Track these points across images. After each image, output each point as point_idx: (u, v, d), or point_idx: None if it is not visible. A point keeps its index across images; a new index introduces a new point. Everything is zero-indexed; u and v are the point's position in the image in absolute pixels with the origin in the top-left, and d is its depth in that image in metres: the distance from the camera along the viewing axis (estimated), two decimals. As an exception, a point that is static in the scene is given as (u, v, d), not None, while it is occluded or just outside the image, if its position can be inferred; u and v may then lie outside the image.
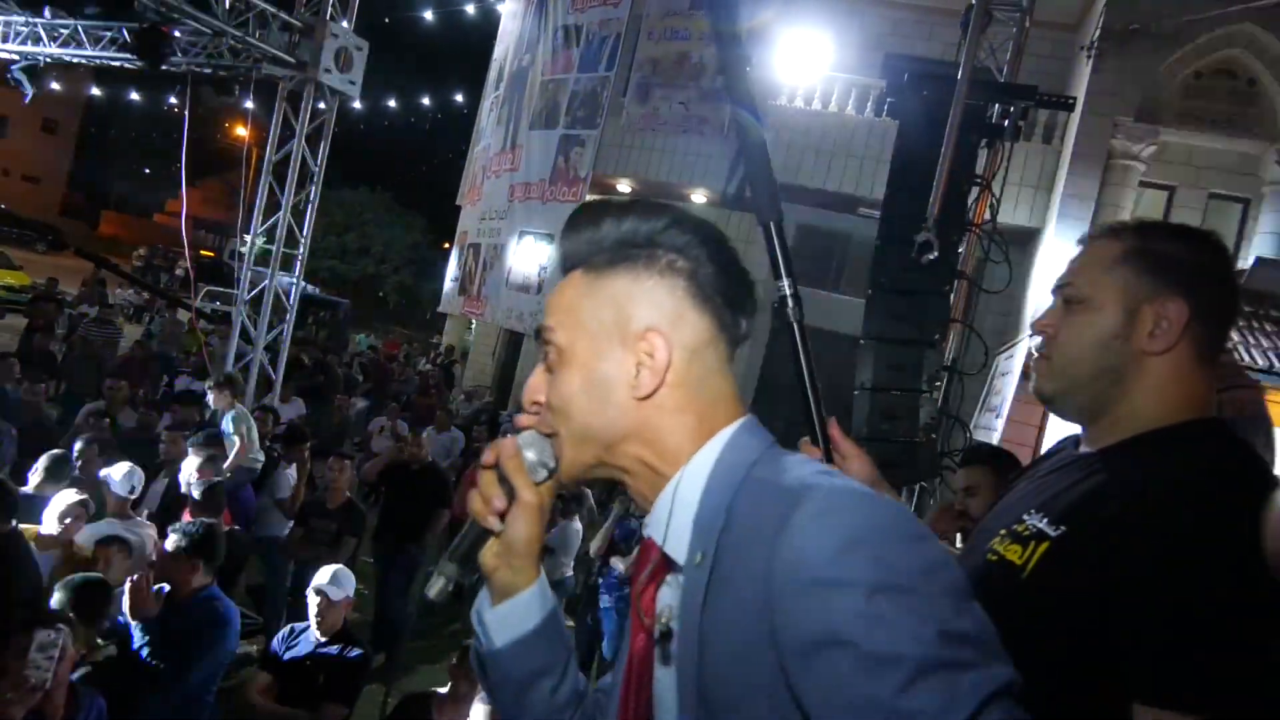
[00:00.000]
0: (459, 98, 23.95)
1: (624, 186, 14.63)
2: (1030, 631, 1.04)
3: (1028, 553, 1.15)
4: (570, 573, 6.55)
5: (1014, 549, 1.17)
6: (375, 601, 6.06)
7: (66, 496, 4.32)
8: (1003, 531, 1.22)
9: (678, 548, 0.87)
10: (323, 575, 3.95)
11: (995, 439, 5.68)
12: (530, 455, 0.98)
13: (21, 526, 4.21)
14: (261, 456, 6.30)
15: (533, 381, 0.97)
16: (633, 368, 0.90)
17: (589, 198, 12.60)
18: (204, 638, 3.58)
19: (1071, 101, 6.99)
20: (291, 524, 5.82)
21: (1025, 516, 1.20)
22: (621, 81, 12.83)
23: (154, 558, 4.22)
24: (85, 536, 4.30)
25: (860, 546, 0.74)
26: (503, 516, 0.97)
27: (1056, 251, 10.52)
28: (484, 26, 16.71)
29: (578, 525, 6.58)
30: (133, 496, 4.72)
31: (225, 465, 5.67)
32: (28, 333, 10.75)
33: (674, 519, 0.88)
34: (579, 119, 11.26)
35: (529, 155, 12.20)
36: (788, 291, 1.47)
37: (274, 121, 8.96)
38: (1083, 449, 1.27)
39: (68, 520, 4.22)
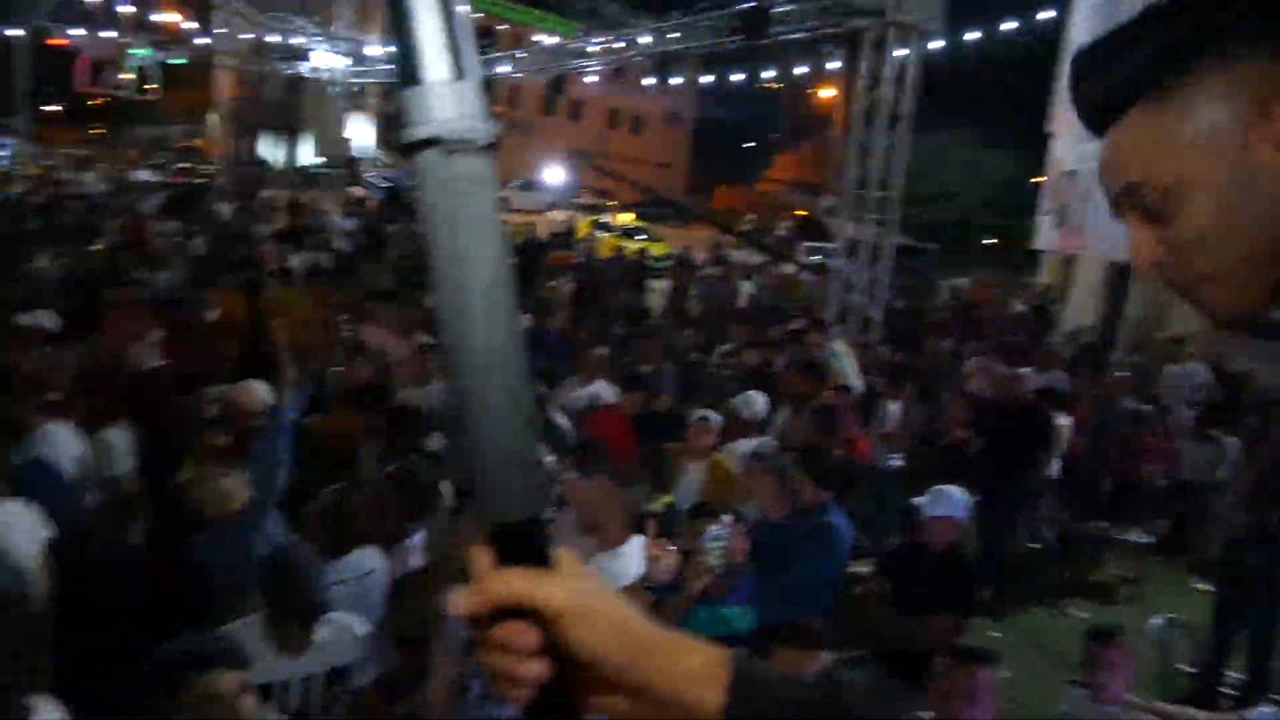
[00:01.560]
0: (1047, 15, 22.05)
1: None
2: None
3: None
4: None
5: None
6: (979, 538, 6.10)
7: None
8: None
9: None
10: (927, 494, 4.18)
11: None
12: None
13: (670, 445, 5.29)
14: (859, 387, 6.77)
15: (1138, 243, 0.81)
16: (1271, 150, 0.72)
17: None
18: (813, 543, 4.03)
19: None
20: (898, 456, 6.16)
21: None
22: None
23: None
24: (728, 453, 5.13)
25: None
26: None
27: None
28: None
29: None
30: (758, 419, 5.56)
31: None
32: (673, 292, 12.91)
33: None
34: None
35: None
36: None
37: (858, 73, 9.33)
38: None
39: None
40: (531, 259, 15.32)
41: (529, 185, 34.60)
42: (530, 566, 0.68)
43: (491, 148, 0.61)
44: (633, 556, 3.52)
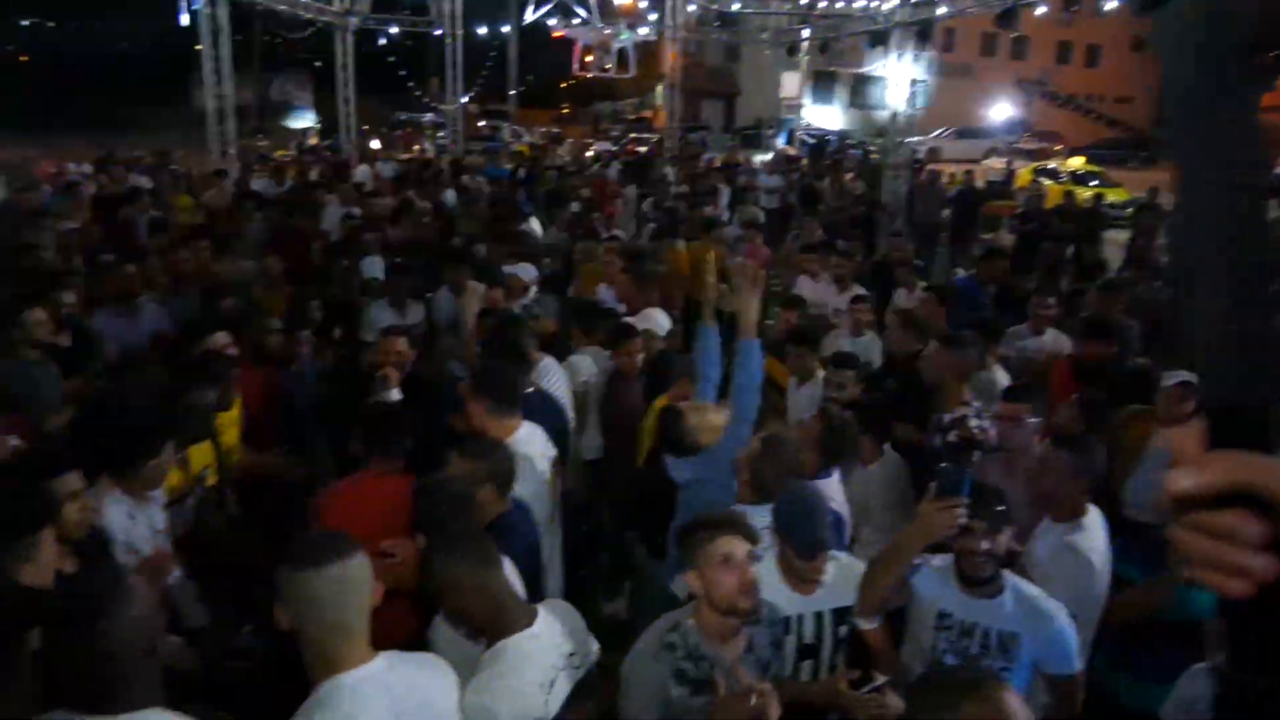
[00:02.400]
0: None
1: None
2: None
3: None
4: None
5: None
6: None
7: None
8: None
9: None
10: None
11: None
12: None
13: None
14: None
15: None
16: None
17: None
18: None
19: None
20: None
21: None
22: None
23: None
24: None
25: None
26: None
27: None
28: None
29: None
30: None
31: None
32: (1135, 242, 11.40)
33: None
34: None
35: None
36: None
37: None
38: None
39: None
40: (967, 210, 14.52)
41: (965, 133, 32.73)
42: (1253, 453, 0.62)
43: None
44: (1095, 527, 3.22)
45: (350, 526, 2.37)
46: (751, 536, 2.49)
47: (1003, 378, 5.04)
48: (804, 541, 2.84)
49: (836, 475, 3.71)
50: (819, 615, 2.93)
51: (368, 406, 3.91)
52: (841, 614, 2.95)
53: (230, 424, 4.44)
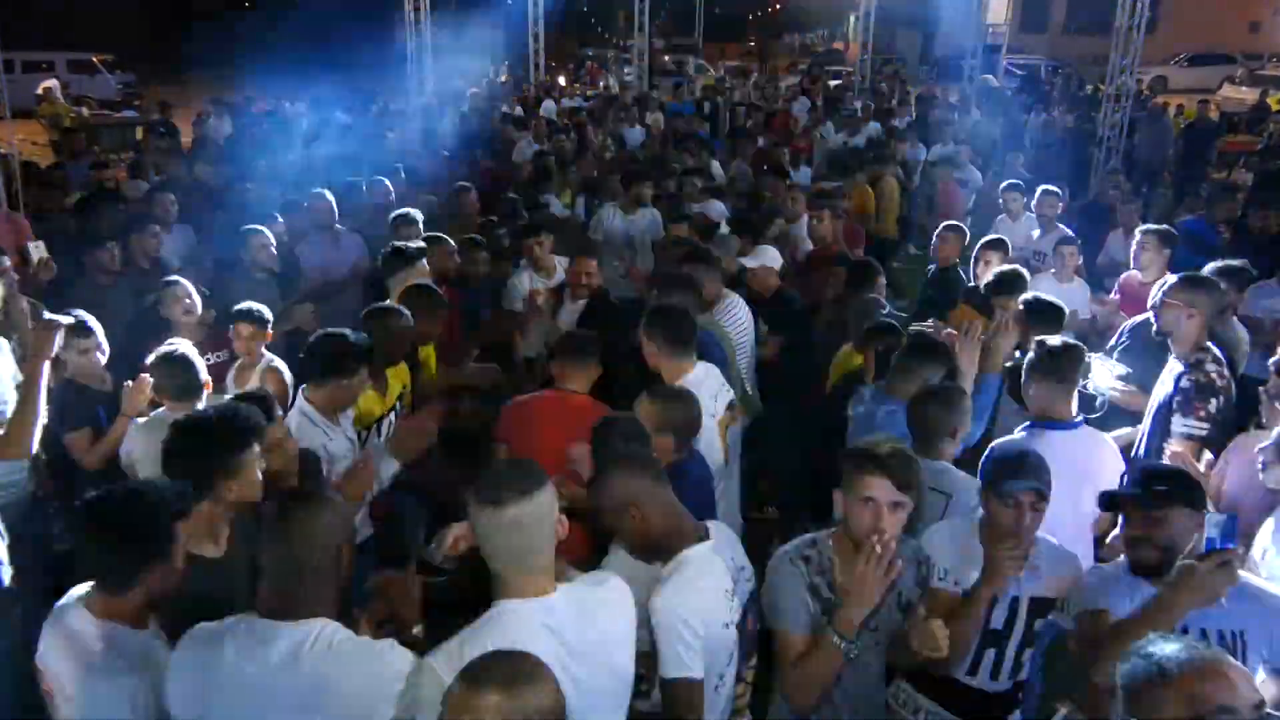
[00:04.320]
0: None
1: None
2: None
3: None
4: None
5: None
6: None
7: None
8: None
9: None
10: None
11: None
12: None
13: None
14: None
15: None
16: None
17: None
18: None
19: None
20: None
21: None
22: None
23: None
24: None
25: None
26: None
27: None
28: None
29: None
30: None
31: None
32: None
33: None
34: None
35: None
36: None
37: None
38: None
39: None
40: (1198, 146, 13.09)
41: (1199, 59, 29.27)
42: None
43: None
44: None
45: (534, 434, 2.55)
46: (905, 483, 2.37)
47: (1245, 335, 4.45)
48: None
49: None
50: (1014, 600, 2.62)
51: (564, 334, 3.99)
52: (1041, 605, 2.64)
53: (429, 349, 4.56)
